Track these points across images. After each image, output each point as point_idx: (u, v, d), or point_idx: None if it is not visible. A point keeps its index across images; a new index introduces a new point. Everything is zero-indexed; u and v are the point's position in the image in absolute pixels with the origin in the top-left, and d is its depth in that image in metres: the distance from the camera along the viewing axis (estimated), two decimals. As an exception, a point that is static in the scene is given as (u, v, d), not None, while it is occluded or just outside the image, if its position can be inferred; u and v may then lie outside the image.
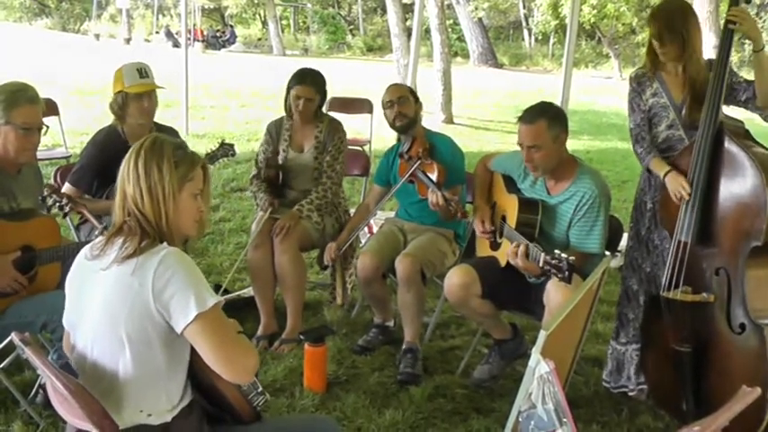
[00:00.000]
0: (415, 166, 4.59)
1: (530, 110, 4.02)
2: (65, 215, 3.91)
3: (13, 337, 2.38)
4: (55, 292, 3.63)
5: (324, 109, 5.26)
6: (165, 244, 2.41)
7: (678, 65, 3.94)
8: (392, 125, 4.86)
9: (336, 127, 5.16)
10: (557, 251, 3.51)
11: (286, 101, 5.13)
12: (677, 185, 3.73)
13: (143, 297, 2.30)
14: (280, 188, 5.15)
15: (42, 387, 3.81)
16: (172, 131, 4.95)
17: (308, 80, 5.03)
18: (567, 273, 3.43)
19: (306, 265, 5.11)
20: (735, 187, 3.57)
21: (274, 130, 5.23)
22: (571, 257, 3.45)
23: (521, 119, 4.00)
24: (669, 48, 3.88)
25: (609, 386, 4.35)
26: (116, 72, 4.59)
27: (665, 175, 3.82)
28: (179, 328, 2.32)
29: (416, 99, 4.93)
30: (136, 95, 4.53)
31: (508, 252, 3.91)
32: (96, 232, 3.76)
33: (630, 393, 4.28)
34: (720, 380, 3.62)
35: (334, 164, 5.08)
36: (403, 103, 4.80)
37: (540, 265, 3.56)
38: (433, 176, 4.54)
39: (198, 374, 2.51)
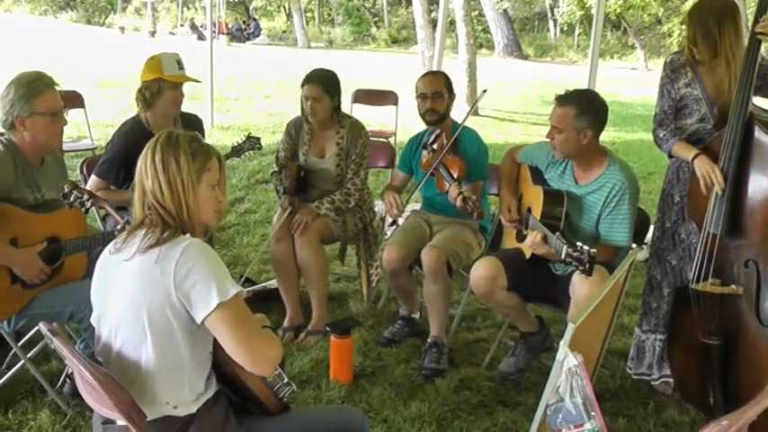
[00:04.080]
0: (437, 162, 4.57)
1: (569, 93, 4.02)
2: (86, 211, 3.92)
3: (41, 326, 2.39)
4: (81, 282, 3.67)
5: (348, 102, 5.20)
6: (187, 235, 2.42)
7: (714, 62, 3.90)
8: (422, 117, 4.84)
9: (359, 131, 5.04)
10: (579, 243, 3.49)
11: (302, 104, 5.04)
12: (707, 169, 3.65)
13: (165, 286, 2.31)
14: (303, 187, 5.09)
15: (69, 377, 3.85)
16: (196, 119, 4.98)
17: (315, 78, 4.91)
18: (588, 265, 3.40)
19: (327, 256, 5.11)
20: (765, 178, 3.52)
21: (294, 131, 5.14)
22: (593, 250, 3.42)
23: (557, 97, 4.01)
24: (702, 49, 3.86)
25: (631, 372, 4.36)
26: (152, 60, 4.62)
27: (695, 157, 3.75)
28: (199, 318, 2.33)
29: (451, 91, 4.87)
30: (173, 85, 4.57)
31: (527, 243, 3.90)
32: (118, 227, 3.76)
33: (654, 383, 4.28)
34: (749, 373, 3.58)
35: (358, 171, 5.00)
36: (436, 99, 4.75)
37: (563, 257, 3.54)
38: (455, 173, 4.52)
39: (222, 365, 2.52)
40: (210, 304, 2.30)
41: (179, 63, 4.64)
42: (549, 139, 4.03)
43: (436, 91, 4.76)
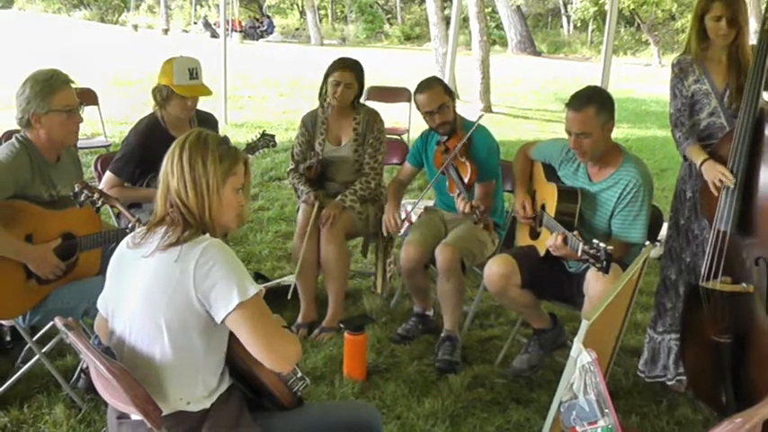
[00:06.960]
0: (449, 159, 4.55)
1: (578, 96, 3.95)
2: (97, 210, 3.94)
3: (57, 321, 2.41)
4: (96, 278, 3.69)
5: (362, 99, 5.21)
6: (207, 235, 2.43)
7: (723, 52, 3.89)
8: (435, 131, 4.80)
9: (374, 117, 5.10)
10: (595, 240, 3.47)
11: (321, 90, 5.09)
12: (715, 173, 3.67)
13: (184, 286, 2.32)
14: (320, 181, 5.13)
15: (84, 371, 3.87)
16: (212, 118, 4.99)
17: (349, 66, 4.99)
18: (604, 263, 3.39)
19: (349, 254, 5.11)
20: None
21: (310, 123, 5.18)
22: (609, 247, 3.40)
23: (569, 105, 3.94)
24: (730, 32, 3.81)
25: (643, 376, 4.32)
26: (166, 63, 4.59)
27: (702, 163, 3.76)
28: (220, 317, 2.34)
29: (451, 94, 4.80)
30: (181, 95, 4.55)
31: (548, 245, 3.88)
32: (130, 225, 3.78)
33: (669, 383, 4.25)
34: (761, 372, 3.57)
35: (376, 155, 5.04)
36: (444, 111, 4.67)
37: (579, 254, 3.53)
38: (465, 178, 4.50)
39: (236, 361, 2.53)
40: (231, 304, 2.31)
41: (191, 72, 4.58)
42: (565, 139, 4.00)
43: (441, 104, 4.67)
